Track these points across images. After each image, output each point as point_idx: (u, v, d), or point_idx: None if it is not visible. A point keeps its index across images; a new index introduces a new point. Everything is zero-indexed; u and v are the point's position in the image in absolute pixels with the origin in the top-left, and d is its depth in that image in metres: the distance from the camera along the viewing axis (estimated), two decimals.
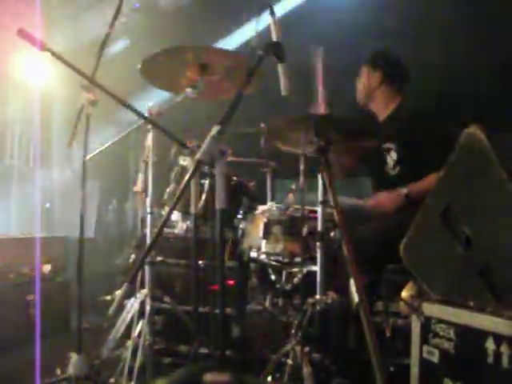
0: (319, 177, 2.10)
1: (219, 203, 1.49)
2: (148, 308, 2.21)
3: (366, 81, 2.69)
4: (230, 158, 2.68)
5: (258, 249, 2.47)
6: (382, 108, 2.68)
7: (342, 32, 3.76)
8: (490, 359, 1.41)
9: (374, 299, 2.31)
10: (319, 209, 2.16)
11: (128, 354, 2.14)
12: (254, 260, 2.54)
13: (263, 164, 3.04)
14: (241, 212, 2.62)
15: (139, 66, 2.10)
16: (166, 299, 2.40)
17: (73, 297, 3.47)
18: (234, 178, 2.67)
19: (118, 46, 4.90)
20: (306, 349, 2.05)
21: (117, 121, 4.52)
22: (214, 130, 1.41)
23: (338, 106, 2.23)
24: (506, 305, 1.43)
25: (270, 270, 2.67)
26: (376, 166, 2.68)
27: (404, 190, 2.40)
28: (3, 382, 2.61)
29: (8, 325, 3.02)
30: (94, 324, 2.82)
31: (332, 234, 2.34)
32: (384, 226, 2.35)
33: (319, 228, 2.14)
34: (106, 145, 2.53)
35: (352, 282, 1.49)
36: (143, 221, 2.49)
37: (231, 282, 2.54)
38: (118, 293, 1.39)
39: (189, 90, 2.22)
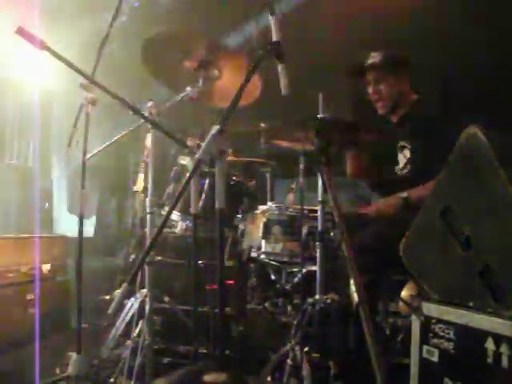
0: (319, 177, 2.11)
1: (219, 203, 1.49)
2: (147, 308, 2.21)
3: (396, 88, 2.52)
4: (230, 158, 2.69)
5: (258, 249, 2.48)
6: (398, 107, 2.57)
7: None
8: (490, 359, 1.41)
9: (373, 299, 2.30)
10: (319, 209, 2.16)
11: (127, 354, 2.14)
12: (254, 260, 2.54)
13: (263, 164, 3.04)
14: (241, 212, 2.62)
15: (142, 42, 2.08)
16: (166, 299, 2.40)
17: (72, 296, 3.46)
18: (234, 178, 2.67)
19: (117, 46, 4.89)
20: (306, 349, 2.05)
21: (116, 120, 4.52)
22: (214, 129, 1.41)
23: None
24: (505, 305, 1.43)
25: (270, 270, 2.67)
26: (385, 166, 2.64)
27: (403, 194, 2.34)
28: (3, 381, 2.61)
29: (8, 325, 3.02)
30: (93, 324, 2.82)
31: (332, 233, 2.34)
32: (384, 226, 2.35)
33: (319, 228, 2.14)
34: (106, 144, 2.53)
35: (352, 281, 1.49)
36: (143, 221, 2.49)
37: (231, 282, 2.54)
38: (118, 293, 1.39)
39: (188, 88, 2.22)
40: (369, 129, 2.23)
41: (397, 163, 2.54)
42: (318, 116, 2.02)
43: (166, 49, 2.18)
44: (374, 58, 2.56)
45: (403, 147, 2.50)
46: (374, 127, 2.36)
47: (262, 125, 2.94)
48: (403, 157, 2.50)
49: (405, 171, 2.49)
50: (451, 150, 1.67)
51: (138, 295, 2.25)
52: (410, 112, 2.54)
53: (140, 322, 2.20)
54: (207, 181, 2.50)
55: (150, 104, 2.29)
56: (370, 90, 2.58)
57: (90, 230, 5.29)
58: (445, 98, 2.68)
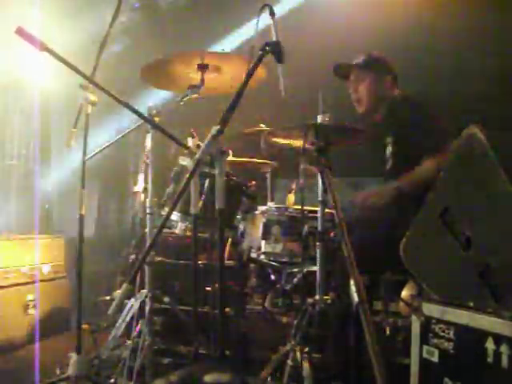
0: (319, 177, 2.11)
1: (219, 203, 1.49)
2: (147, 308, 2.21)
3: (373, 87, 2.55)
4: (230, 158, 2.68)
5: (258, 249, 2.47)
6: (379, 107, 2.60)
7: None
8: (490, 359, 1.41)
9: (373, 299, 2.30)
10: (319, 209, 2.16)
11: (127, 354, 2.14)
12: (254, 260, 2.53)
13: (263, 164, 3.04)
14: (240, 212, 2.62)
15: (139, 72, 2.11)
16: (166, 299, 2.40)
17: (72, 297, 3.47)
18: (234, 178, 2.66)
19: (117, 46, 4.89)
20: (306, 349, 2.05)
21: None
22: (214, 129, 1.41)
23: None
24: (506, 305, 1.43)
25: (270, 270, 2.66)
26: (376, 163, 2.67)
27: (394, 184, 2.36)
28: (3, 381, 2.61)
29: (8, 325, 3.02)
30: (93, 324, 2.82)
31: (332, 233, 2.34)
32: (384, 226, 2.34)
33: (319, 228, 2.14)
34: (106, 145, 2.53)
35: (352, 281, 1.48)
36: (143, 221, 2.49)
37: (231, 283, 2.54)
38: (118, 293, 1.39)
39: (189, 90, 2.23)
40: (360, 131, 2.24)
41: (386, 160, 2.56)
42: (317, 120, 2.01)
43: (164, 72, 2.21)
44: (357, 59, 2.62)
45: (387, 143, 2.52)
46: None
47: (262, 125, 2.95)
48: (388, 152, 2.52)
49: (389, 164, 2.52)
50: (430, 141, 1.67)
51: (138, 295, 2.25)
52: (391, 107, 2.56)
53: (140, 323, 2.20)
54: (207, 181, 2.50)
55: (150, 105, 2.29)
56: (351, 89, 2.63)
57: (90, 230, 5.29)
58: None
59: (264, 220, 2.47)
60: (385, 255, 2.18)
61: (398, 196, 2.34)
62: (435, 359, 1.59)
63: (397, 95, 2.59)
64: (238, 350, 2.41)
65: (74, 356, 2.00)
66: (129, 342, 2.19)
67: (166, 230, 2.68)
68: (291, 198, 2.79)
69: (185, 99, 2.27)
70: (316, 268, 2.14)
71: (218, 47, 4.38)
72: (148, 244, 2.30)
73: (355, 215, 2.74)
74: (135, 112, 2.00)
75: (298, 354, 2.04)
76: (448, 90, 3.40)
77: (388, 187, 2.40)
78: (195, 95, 2.24)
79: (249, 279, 2.71)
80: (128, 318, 2.22)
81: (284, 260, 2.42)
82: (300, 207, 2.35)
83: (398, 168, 2.43)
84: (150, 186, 2.34)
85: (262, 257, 2.46)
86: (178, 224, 2.60)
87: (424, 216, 1.76)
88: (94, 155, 2.39)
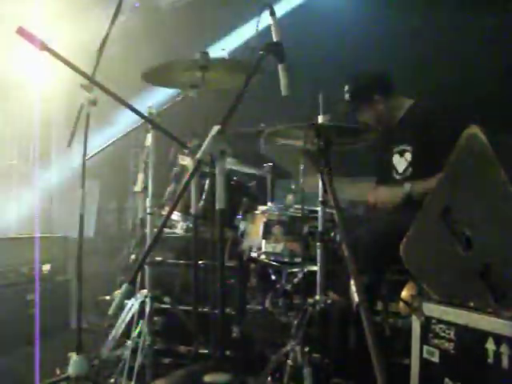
0: (319, 177, 2.11)
1: (219, 203, 1.49)
2: (148, 308, 2.21)
3: (378, 113, 2.54)
4: (229, 158, 2.68)
5: (258, 249, 2.47)
6: (393, 115, 2.59)
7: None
8: (490, 359, 1.41)
9: (373, 299, 2.30)
10: (319, 209, 2.16)
11: (128, 354, 2.14)
12: (255, 260, 2.54)
13: (263, 164, 3.04)
14: (241, 212, 2.62)
15: (141, 75, 2.12)
16: (166, 299, 2.40)
17: (72, 297, 3.47)
18: (234, 178, 2.66)
19: (118, 45, 4.89)
20: (306, 349, 2.05)
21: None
22: (214, 129, 1.41)
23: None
24: (506, 305, 1.43)
25: (271, 270, 2.67)
26: (381, 169, 2.65)
27: (407, 185, 2.37)
28: (3, 381, 2.61)
29: (8, 325, 3.02)
30: (93, 324, 2.82)
31: (332, 233, 2.34)
32: (384, 225, 2.35)
33: (319, 228, 2.14)
34: (106, 144, 2.53)
35: (352, 281, 1.48)
36: (143, 221, 2.49)
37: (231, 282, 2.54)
38: (118, 293, 1.39)
39: (189, 89, 2.22)
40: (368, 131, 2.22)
41: (393, 168, 2.53)
42: (319, 120, 2.01)
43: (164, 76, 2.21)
44: None
45: (403, 151, 2.49)
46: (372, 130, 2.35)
47: (262, 125, 2.94)
48: (404, 160, 2.49)
49: (408, 173, 2.48)
50: (452, 148, 1.67)
51: (138, 296, 2.25)
52: (407, 116, 2.53)
53: (140, 323, 2.20)
54: (207, 181, 2.50)
55: (149, 104, 2.29)
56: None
57: (90, 230, 5.30)
58: (442, 99, 2.67)
59: (264, 220, 2.48)
60: (385, 255, 2.18)
61: (409, 198, 2.34)
62: (435, 359, 1.59)
63: (412, 104, 2.55)
64: (238, 349, 2.41)
65: (73, 356, 1.99)
66: (129, 342, 2.19)
67: (166, 230, 2.68)
68: (291, 198, 2.79)
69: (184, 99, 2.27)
70: (316, 268, 2.14)
71: (218, 47, 4.39)
72: (148, 244, 2.30)
73: (355, 215, 2.75)
74: (135, 112, 2.00)
75: (298, 353, 2.04)
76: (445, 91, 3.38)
77: (399, 191, 2.38)
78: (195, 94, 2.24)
79: (249, 279, 2.71)
80: (128, 318, 2.22)
81: (284, 260, 2.42)
82: (300, 207, 2.35)
83: (419, 177, 2.38)
84: (150, 186, 2.34)
85: (263, 257, 2.46)
86: (179, 224, 2.60)
87: (424, 216, 1.76)
88: (94, 155, 2.39)
